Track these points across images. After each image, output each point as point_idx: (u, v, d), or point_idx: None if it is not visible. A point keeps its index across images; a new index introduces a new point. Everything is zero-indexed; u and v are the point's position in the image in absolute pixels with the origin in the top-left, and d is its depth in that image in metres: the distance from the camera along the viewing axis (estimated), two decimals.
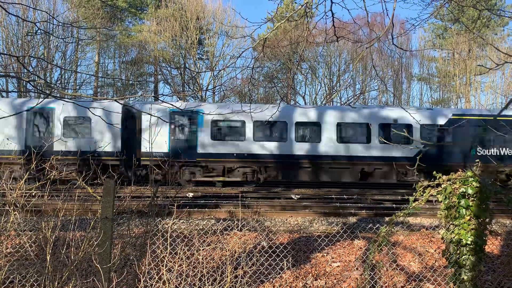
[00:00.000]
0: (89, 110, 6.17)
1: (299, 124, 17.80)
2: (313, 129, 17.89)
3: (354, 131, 18.05)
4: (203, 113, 16.49)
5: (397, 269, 5.90)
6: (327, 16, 5.41)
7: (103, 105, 13.75)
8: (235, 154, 17.44)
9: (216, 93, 33.95)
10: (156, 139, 16.26)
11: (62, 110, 16.65)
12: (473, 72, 34.94)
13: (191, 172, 17.53)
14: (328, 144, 17.60)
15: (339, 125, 17.79)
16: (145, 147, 16.76)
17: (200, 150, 17.38)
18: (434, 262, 6.36)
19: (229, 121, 17.67)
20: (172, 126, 17.35)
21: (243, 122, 17.45)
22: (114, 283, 3.59)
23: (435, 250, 6.81)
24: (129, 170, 17.30)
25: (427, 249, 6.96)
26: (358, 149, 17.67)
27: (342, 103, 35.27)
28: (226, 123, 17.78)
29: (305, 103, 34.80)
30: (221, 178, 17.56)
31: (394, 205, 12.59)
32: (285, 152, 17.55)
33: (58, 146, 16.33)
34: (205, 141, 17.38)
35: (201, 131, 17.42)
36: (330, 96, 34.82)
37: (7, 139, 15.97)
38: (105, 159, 15.97)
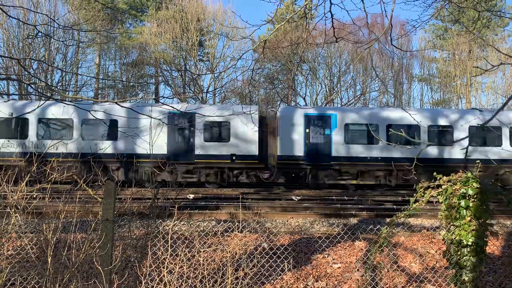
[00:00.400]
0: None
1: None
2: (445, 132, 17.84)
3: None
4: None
5: (398, 270, 5.89)
6: (326, 17, 5.42)
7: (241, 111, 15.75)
8: (368, 158, 17.51)
9: (216, 95, 34.00)
10: (291, 143, 16.79)
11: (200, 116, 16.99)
12: (472, 73, 34.95)
13: (325, 175, 17.63)
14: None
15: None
16: (278, 150, 17.25)
17: (334, 153, 17.52)
18: (435, 263, 6.35)
19: (360, 125, 17.81)
20: (307, 130, 17.55)
21: (377, 126, 17.59)
22: (115, 285, 3.60)
23: (436, 251, 6.80)
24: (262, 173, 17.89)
25: (428, 250, 6.95)
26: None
27: (342, 104, 35.26)
28: (358, 126, 17.86)
29: (305, 104, 34.79)
30: (354, 181, 17.72)
31: (395, 206, 12.59)
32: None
33: (198, 151, 17.13)
34: (339, 145, 17.56)
35: (335, 134, 17.58)
36: (331, 97, 34.82)
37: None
38: (246, 162, 16.97)
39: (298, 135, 17.17)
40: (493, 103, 36.02)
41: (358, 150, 17.51)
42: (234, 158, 17.06)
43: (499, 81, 36.86)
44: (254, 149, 17.20)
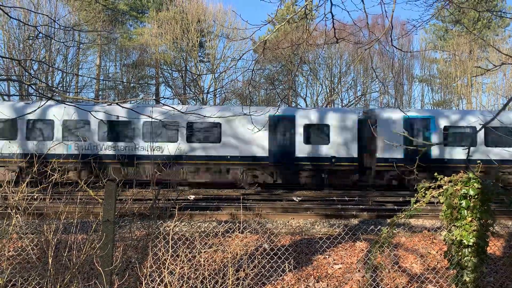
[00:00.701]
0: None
1: None
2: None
3: None
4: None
5: (399, 271, 5.89)
6: (327, 18, 5.42)
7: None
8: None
9: (217, 96, 34.01)
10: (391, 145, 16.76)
11: (301, 118, 17.48)
12: (472, 73, 34.92)
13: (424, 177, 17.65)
14: None
15: None
16: (379, 153, 17.32)
17: (433, 156, 17.43)
18: (436, 263, 6.34)
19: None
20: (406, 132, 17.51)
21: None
22: (115, 286, 3.59)
23: (437, 252, 6.79)
24: (363, 176, 17.94)
25: (429, 251, 6.94)
26: None
27: (343, 105, 35.25)
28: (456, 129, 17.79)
29: (306, 105, 34.79)
30: None
31: (395, 207, 12.58)
32: None
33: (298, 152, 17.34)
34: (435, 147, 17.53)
35: (435, 135, 17.55)
36: (331, 97, 34.81)
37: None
38: (345, 165, 17.09)
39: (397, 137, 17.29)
40: (493, 104, 36.02)
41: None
42: (333, 160, 17.16)
43: (499, 81, 36.87)
44: (354, 152, 17.30)
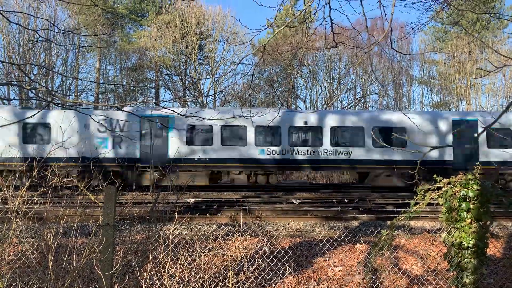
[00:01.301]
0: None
1: None
2: None
3: None
4: None
5: (399, 273, 5.89)
6: (326, 21, 5.44)
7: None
8: None
9: (217, 99, 34.04)
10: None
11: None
12: (473, 75, 34.95)
13: None
14: None
15: None
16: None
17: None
18: (436, 265, 6.34)
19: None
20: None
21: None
22: None
23: (437, 253, 6.80)
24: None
25: (429, 253, 6.94)
26: None
27: (342, 107, 35.29)
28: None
29: (306, 107, 34.82)
30: None
31: (395, 209, 12.57)
32: None
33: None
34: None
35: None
36: (331, 100, 34.84)
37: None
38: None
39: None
40: (493, 105, 36.05)
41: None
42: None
43: (499, 83, 36.89)
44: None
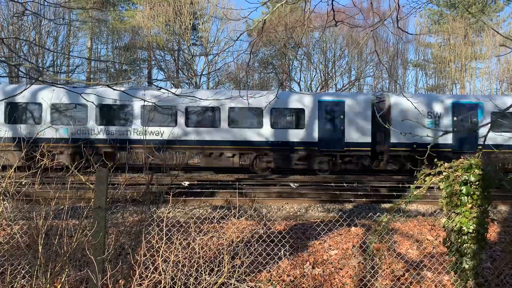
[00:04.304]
0: None
1: None
2: None
3: None
4: None
5: (396, 257, 5.84)
6: (325, 0, 5.25)
7: None
8: None
9: (210, 79, 33.66)
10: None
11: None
12: (469, 58, 34.90)
13: None
14: None
15: None
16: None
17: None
18: (432, 249, 6.32)
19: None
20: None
21: None
22: (108, 275, 3.49)
23: (436, 239, 6.77)
24: None
25: (427, 238, 6.91)
26: None
27: (338, 89, 35.08)
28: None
29: (300, 89, 34.57)
30: None
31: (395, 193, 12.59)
32: None
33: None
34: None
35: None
36: (326, 82, 34.58)
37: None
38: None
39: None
40: (487, 89, 36.03)
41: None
42: None
43: (493, 66, 36.82)
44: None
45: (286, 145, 17.42)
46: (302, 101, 17.70)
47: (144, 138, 16.44)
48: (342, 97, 18.38)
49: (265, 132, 17.34)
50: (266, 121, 17.32)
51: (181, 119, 17.15)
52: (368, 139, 17.51)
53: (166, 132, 16.83)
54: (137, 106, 16.84)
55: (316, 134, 17.46)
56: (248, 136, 17.31)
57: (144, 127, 16.37)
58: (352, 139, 17.49)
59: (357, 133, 17.46)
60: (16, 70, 23.68)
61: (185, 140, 17.16)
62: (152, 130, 16.75)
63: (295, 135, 17.43)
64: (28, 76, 5.27)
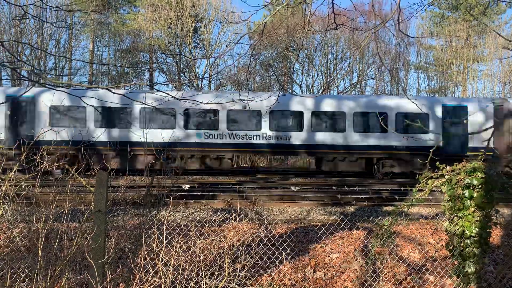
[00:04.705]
0: None
1: None
2: None
3: None
4: None
5: (398, 261, 5.80)
6: (326, 3, 5.24)
7: None
8: None
9: (212, 82, 33.66)
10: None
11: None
12: (470, 61, 34.82)
13: None
14: None
15: None
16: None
17: None
18: (434, 252, 6.28)
19: None
20: None
21: None
22: (108, 278, 3.46)
23: (435, 241, 6.73)
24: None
25: (429, 241, 6.87)
26: None
27: (339, 91, 35.05)
28: None
29: (301, 92, 34.54)
30: None
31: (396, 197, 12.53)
32: None
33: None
34: None
35: None
36: (327, 84, 34.55)
37: None
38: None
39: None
40: (489, 91, 35.96)
41: None
42: None
43: (495, 69, 36.76)
44: None
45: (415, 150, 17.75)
46: (425, 105, 18.04)
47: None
48: (464, 102, 18.71)
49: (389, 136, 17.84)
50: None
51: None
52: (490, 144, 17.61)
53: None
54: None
55: (440, 138, 17.71)
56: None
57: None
58: (474, 144, 17.67)
59: (479, 138, 17.66)
60: (17, 73, 23.77)
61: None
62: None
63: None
64: (30, 80, 5.26)
